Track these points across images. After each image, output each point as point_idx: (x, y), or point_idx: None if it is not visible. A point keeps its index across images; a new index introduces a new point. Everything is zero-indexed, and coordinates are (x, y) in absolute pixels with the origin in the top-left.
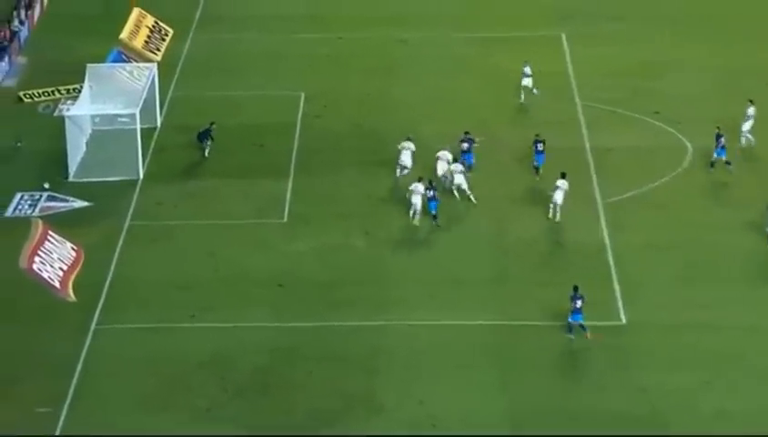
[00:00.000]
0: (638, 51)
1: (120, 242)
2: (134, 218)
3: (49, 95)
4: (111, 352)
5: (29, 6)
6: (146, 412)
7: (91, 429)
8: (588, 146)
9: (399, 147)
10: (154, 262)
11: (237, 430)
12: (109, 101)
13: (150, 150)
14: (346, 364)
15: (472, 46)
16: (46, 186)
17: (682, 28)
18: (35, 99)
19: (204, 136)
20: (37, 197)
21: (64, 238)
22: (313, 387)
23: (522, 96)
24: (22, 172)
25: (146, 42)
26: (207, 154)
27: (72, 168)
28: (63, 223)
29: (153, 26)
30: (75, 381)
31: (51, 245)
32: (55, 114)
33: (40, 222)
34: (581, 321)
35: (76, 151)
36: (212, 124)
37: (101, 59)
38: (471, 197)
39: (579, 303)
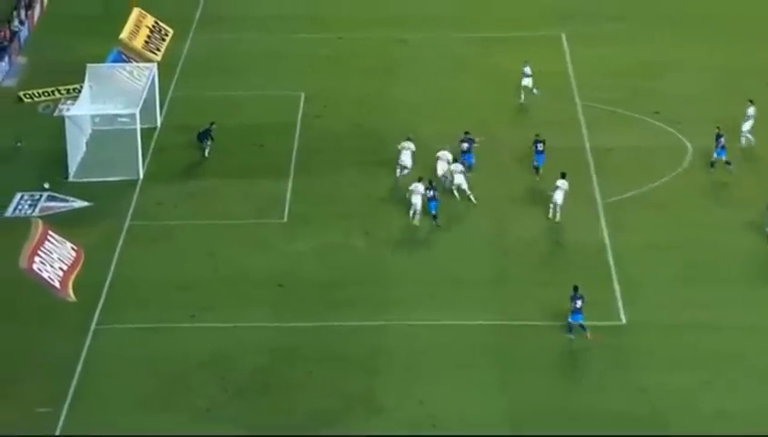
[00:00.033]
0: (638, 51)
1: (120, 242)
2: (134, 218)
3: (49, 95)
4: (111, 352)
5: (29, 6)
6: (147, 413)
7: (91, 429)
8: (588, 146)
9: (399, 147)
10: (154, 262)
11: (237, 430)
12: (109, 101)
13: (150, 150)
14: (346, 364)
15: (472, 47)
16: (46, 186)
17: (683, 28)
18: (35, 99)
19: (204, 136)
20: (37, 197)
21: (64, 238)
22: (313, 387)
23: (522, 97)
24: (22, 172)
25: (146, 42)
26: (207, 154)
27: (72, 168)
28: (63, 223)
29: (153, 26)
30: (75, 381)
31: (51, 245)
32: (55, 114)
33: (40, 222)
34: (581, 321)
35: (76, 151)
36: (212, 124)
37: (101, 59)
38: (471, 197)
39: (579, 303)
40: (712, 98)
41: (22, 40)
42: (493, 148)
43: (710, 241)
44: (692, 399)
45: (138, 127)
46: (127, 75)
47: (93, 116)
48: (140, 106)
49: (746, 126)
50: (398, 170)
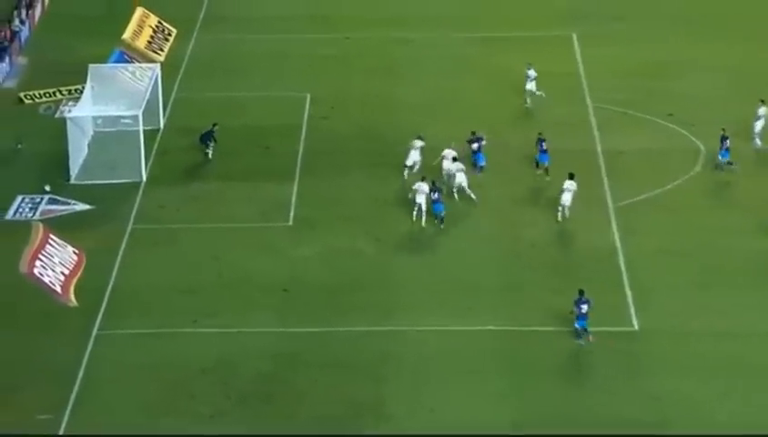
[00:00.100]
0: (650, 52)
1: (122, 246)
2: (136, 222)
3: (50, 96)
4: (113, 358)
5: (30, 6)
6: (149, 419)
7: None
8: (599, 148)
9: (409, 146)
10: (156, 266)
11: None
12: (111, 102)
13: (153, 152)
14: (353, 371)
15: (482, 47)
16: (48, 188)
17: (696, 28)
18: (36, 100)
19: (206, 137)
20: (38, 199)
21: (65, 241)
22: (318, 394)
23: (528, 101)
24: (23, 174)
25: (149, 42)
26: (210, 156)
27: (73, 171)
28: (64, 226)
29: (156, 26)
30: (76, 387)
31: (52, 249)
32: (57, 115)
33: (41, 226)
34: (585, 326)
35: (78, 153)
36: (214, 125)
37: (103, 60)
38: (472, 194)
39: (584, 308)
40: (726, 100)
41: (23, 40)
42: (502, 150)
43: (724, 246)
44: (705, 407)
45: (141, 128)
46: (130, 75)
47: (95, 118)
48: (143, 107)
49: (758, 126)
50: (405, 172)
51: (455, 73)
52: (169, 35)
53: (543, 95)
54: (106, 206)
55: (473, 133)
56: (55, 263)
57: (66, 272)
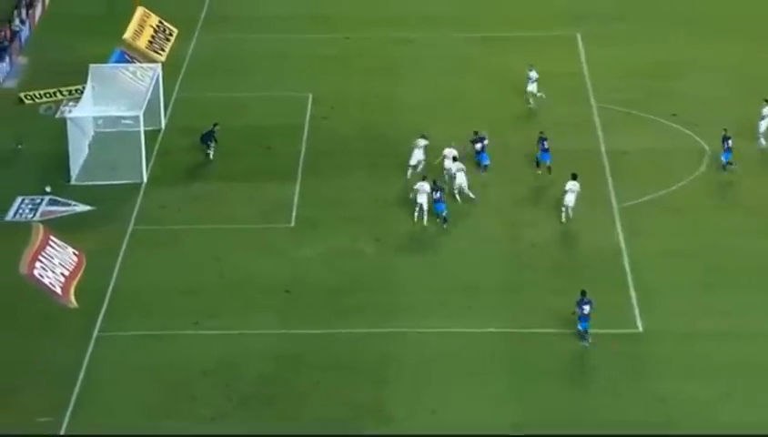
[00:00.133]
0: (654, 51)
1: (123, 247)
2: (137, 223)
3: (51, 96)
4: (114, 360)
5: (30, 5)
6: (150, 421)
7: None
8: (603, 148)
9: (413, 145)
10: (157, 268)
11: None
12: (112, 103)
13: (154, 153)
14: (354, 373)
15: (484, 47)
16: (48, 189)
17: (699, 28)
18: (37, 100)
19: (207, 137)
20: (38, 200)
21: (65, 242)
22: (320, 396)
23: (532, 102)
24: (23, 175)
25: (149, 42)
26: (211, 156)
27: (74, 172)
28: (64, 228)
29: (157, 26)
30: (77, 389)
31: (52, 250)
32: (57, 115)
33: (41, 227)
34: (587, 328)
35: (79, 154)
36: (215, 125)
37: (104, 60)
38: (471, 194)
39: (586, 309)
40: (730, 100)
41: (23, 40)
42: (503, 150)
43: (729, 246)
44: (710, 409)
45: (142, 129)
46: (131, 75)
47: (95, 118)
48: (144, 107)
49: (762, 126)
50: (408, 171)
51: (456, 73)
52: (170, 34)
53: (544, 96)
54: (106, 207)
55: (476, 133)
56: (56, 264)
57: (67, 273)
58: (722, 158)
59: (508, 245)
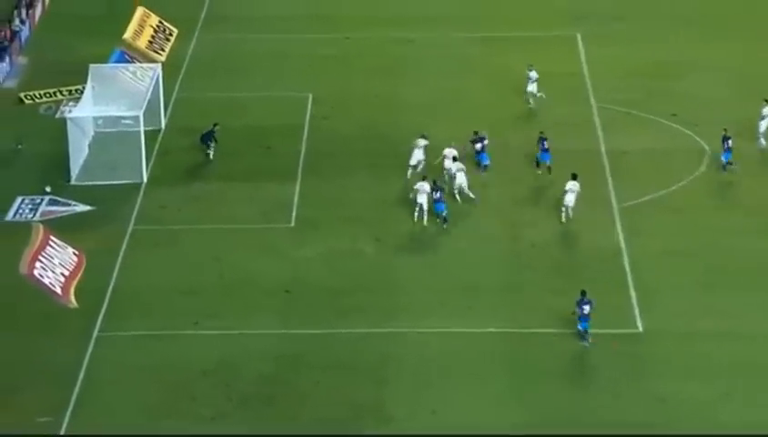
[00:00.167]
0: (654, 51)
1: (123, 247)
2: (137, 223)
3: (51, 96)
4: (114, 360)
5: (30, 5)
6: (150, 421)
7: None
8: (603, 148)
9: (413, 145)
10: (157, 268)
11: None
12: (112, 103)
13: (154, 153)
14: (354, 373)
15: (484, 47)
16: (48, 189)
17: (700, 28)
18: (37, 100)
19: (207, 137)
20: (38, 200)
21: (65, 243)
22: (320, 396)
23: (532, 102)
24: (23, 175)
25: (150, 42)
26: (211, 156)
27: (74, 172)
28: (64, 228)
29: (157, 26)
30: (77, 389)
31: (52, 250)
32: (57, 115)
33: (41, 227)
34: (587, 328)
35: (79, 154)
36: (215, 125)
37: (104, 59)
38: (470, 194)
39: (586, 309)
40: (730, 100)
41: (23, 40)
42: (503, 150)
43: (729, 246)
44: (710, 409)
45: (142, 129)
46: (131, 75)
47: (95, 118)
48: (144, 107)
49: (762, 126)
50: (409, 171)
51: (457, 73)
52: (170, 34)
53: (544, 96)
54: (106, 207)
55: (476, 133)
56: (56, 264)
57: (67, 273)
58: (722, 158)
59: (508, 245)
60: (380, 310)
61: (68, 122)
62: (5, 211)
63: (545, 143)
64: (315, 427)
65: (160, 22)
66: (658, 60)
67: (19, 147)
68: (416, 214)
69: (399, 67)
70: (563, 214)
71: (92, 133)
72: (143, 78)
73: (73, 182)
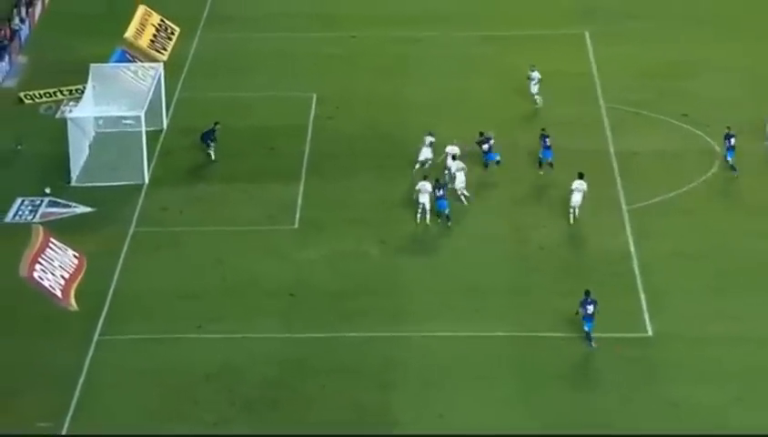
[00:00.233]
0: (665, 51)
1: (124, 249)
2: (138, 225)
3: (51, 96)
4: (115, 364)
5: (30, 4)
6: (151, 426)
7: None
8: (612, 149)
9: (421, 144)
10: (159, 270)
11: None
12: (113, 102)
13: (156, 154)
14: (359, 377)
15: (491, 46)
16: (48, 191)
17: (711, 27)
18: (37, 100)
19: (207, 136)
20: (38, 202)
21: (65, 245)
22: (325, 401)
23: (539, 101)
24: (22, 176)
25: (151, 41)
26: (212, 156)
27: (74, 173)
28: (65, 229)
29: (159, 25)
30: (77, 393)
31: (52, 252)
32: (57, 115)
33: (41, 228)
34: (591, 329)
35: (79, 154)
36: (216, 124)
37: (105, 59)
38: (466, 192)
39: (590, 309)
40: (742, 100)
41: (23, 39)
42: (510, 150)
43: (740, 249)
44: (721, 414)
45: (144, 129)
46: (132, 75)
47: (96, 119)
48: (145, 107)
49: None
50: (416, 166)
51: (463, 72)
52: (172, 33)
53: (541, 102)
54: (107, 208)
55: (481, 133)
56: (56, 267)
57: (67, 276)
58: (727, 157)
59: (514, 247)
60: (385, 313)
61: (69, 122)
62: (5, 212)
63: (547, 140)
64: (320, 431)
65: (162, 20)
66: (668, 60)
67: (19, 147)
68: (418, 215)
69: (405, 67)
70: (571, 215)
71: (93, 133)
72: (144, 78)
73: (73, 183)
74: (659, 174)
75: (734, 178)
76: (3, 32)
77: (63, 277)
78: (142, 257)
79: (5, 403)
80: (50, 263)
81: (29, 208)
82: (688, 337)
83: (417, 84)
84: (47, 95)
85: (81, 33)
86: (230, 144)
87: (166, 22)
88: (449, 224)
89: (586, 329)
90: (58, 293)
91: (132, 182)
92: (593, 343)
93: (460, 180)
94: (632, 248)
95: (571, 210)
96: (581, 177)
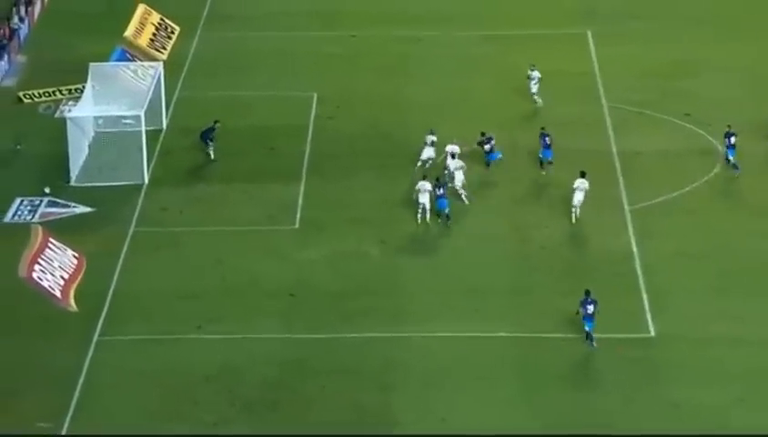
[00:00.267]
0: (667, 50)
1: (124, 250)
2: (138, 225)
3: (50, 95)
4: (114, 365)
5: (29, 3)
6: (151, 427)
7: None
8: (615, 149)
9: (424, 143)
10: (159, 271)
11: None
12: (113, 102)
13: (155, 153)
14: (360, 378)
15: (493, 45)
16: (47, 190)
17: (713, 27)
18: (36, 100)
19: (207, 135)
20: (37, 202)
21: (65, 245)
22: (325, 401)
23: (540, 100)
24: (21, 176)
25: (151, 40)
26: (212, 156)
27: (74, 172)
28: (64, 230)
29: (158, 24)
30: (77, 394)
31: (52, 252)
32: (57, 115)
33: (40, 229)
34: (592, 329)
35: (79, 154)
36: (216, 122)
37: (104, 58)
38: (464, 192)
39: (590, 309)
40: (745, 100)
41: (22, 38)
42: (512, 150)
43: (743, 249)
44: (722, 415)
45: (143, 129)
46: (132, 74)
47: (96, 118)
48: (145, 107)
49: None
50: (418, 164)
51: (464, 72)
52: (172, 32)
53: (541, 103)
54: (107, 208)
55: (482, 134)
56: (55, 267)
57: (66, 276)
58: (728, 156)
59: (516, 246)
60: (386, 314)
61: (68, 122)
62: (4, 212)
63: (547, 139)
64: (320, 432)
65: (162, 19)
66: (671, 59)
67: (18, 147)
68: (419, 215)
69: (406, 66)
70: (573, 215)
71: (92, 133)
72: (144, 77)
73: (72, 183)
74: (661, 174)
75: (737, 178)
76: (2, 31)
77: (62, 277)
78: (142, 257)
79: (5, 403)
80: (49, 263)
81: (28, 208)
82: (690, 337)
83: (418, 83)
84: (47, 94)
85: (80, 32)
86: (230, 143)
87: (166, 21)
88: (450, 223)
89: (587, 329)
90: (58, 294)
91: (132, 182)
92: (594, 343)
93: (459, 179)
94: (635, 248)
95: (573, 210)
96: (583, 175)
